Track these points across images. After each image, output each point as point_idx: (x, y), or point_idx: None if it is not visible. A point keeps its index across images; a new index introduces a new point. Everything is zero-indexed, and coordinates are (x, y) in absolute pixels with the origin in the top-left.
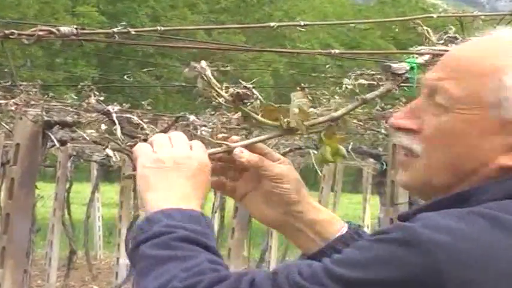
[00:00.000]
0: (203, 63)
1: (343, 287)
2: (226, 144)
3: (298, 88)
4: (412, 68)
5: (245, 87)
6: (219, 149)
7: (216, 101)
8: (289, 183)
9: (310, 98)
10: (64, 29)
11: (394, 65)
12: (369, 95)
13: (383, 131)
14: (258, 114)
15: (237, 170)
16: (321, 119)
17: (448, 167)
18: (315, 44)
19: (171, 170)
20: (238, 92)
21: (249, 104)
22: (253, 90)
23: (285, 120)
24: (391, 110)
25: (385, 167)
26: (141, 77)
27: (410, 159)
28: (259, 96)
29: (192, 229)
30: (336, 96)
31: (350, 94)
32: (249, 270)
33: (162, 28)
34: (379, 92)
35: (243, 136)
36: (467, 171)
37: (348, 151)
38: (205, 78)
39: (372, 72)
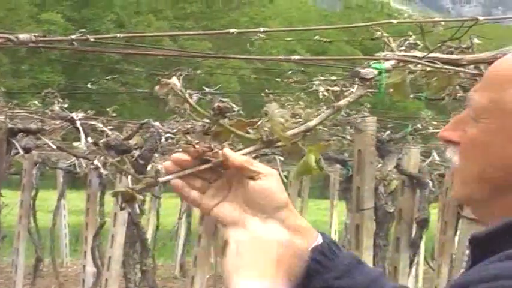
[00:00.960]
0: (174, 79)
1: None
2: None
3: (263, 94)
4: (379, 73)
5: (221, 100)
6: (185, 171)
7: (187, 113)
8: (277, 184)
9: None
10: (22, 37)
11: (362, 71)
12: (342, 102)
13: (348, 136)
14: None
15: (207, 181)
16: (297, 129)
17: (480, 179)
18: (282, 50)
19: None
20: (219, 106)
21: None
22: (231, 103)
23: (266, 132)
24: (355, 116)
25: (350, 172)
26: (107, 83)
27: (454, 172)
28: (236, 109)
29: None
30: (300, 102)
31: (316, 101)
32: None
33: (122, 35)
34: (352, 98)
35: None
36: (499, 183)
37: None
38: (180, 95)
39: (333, 78)
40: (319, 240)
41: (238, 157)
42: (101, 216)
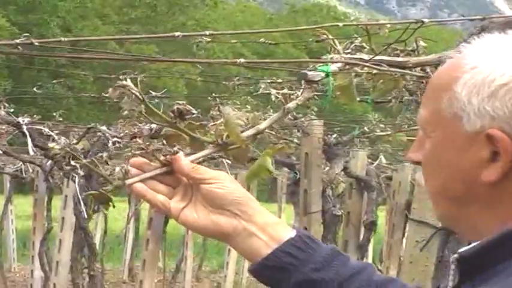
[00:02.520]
0: (129, 81)
1: None
2: (170, 163)
3: (209, 98)
4: (326, 75)
5: (178, 103)
6: (155, 171)
7: (141, 116)
8: (231, 182)
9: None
10: None
11: (310, 73)
12: (290, 104)
13: (295, 140)
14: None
15: (171, 186)
16: (249, 131)
17: (443, 195)
18: (228, 53)
19: None
20: (179, 109)
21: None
22: (189, 106)
23: (222, 135)
24: (302, 119)
25: (298, 176)
26: (54, 88)
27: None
28: (195, 112)
29: None
30: (247, 106)
31: (263, 104)
32: None
33: (66, 39)
34: (300, 101)
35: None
36: (459, 195)
37: (244, 165)
38: (138, 97)
39: (280, 81)
40: (292, 234)
41: (184, 166)
42: (49, 221)
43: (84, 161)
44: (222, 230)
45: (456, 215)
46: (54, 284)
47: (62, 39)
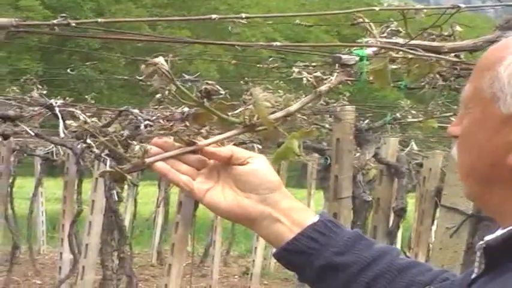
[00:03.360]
0: (161, 58)
1: None
2: (194, 143)
3: (242, 82)
4: (361, 59)
5: (207, 83)
6: (177, 151)
7: (170, 96)
8: (267, 165)
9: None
10: (2, 20)
11: (344, 56)
12: (322, 88)
13: (327, 125)
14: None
15: (195, 167)
16: (279, 113)
17: (471, 173)
18: (260, 38)
19: None
20: (206, 88)
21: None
22: (218, 86)
23: (249, 116)
24: (334, 104)
25: (329, 161)
26: (85, 71)
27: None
28: (222, 92)
29: None
30: (279, 90)
31: (295, 89)
32: None
33: (102, 20)
34: (332, 84)
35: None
36: (483, 176)
37: (272, 147)
38: (167, 75)
39: (314, 64)
40: (315, 219)
41: (222, 150)
42: (79, 203)
43: (102, 139)
44: (248, 214)
45: (481, 195)
46: (83, 267)
47: (98, 20)
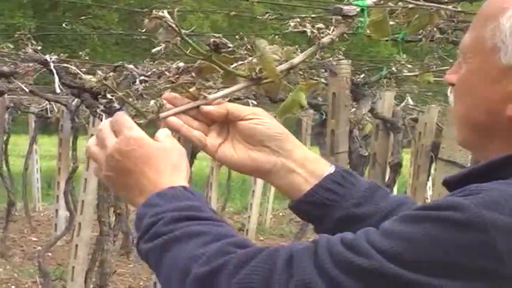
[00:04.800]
0: (165, 12)
1: (388, 260)
2: (204, 97)
3: (237, 37)
4: (362, 10)
5: (214, 36)
6: (189, 105)
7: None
8: (269, 118)
9: (250, 47)
10: None
11: (345, 7)
12: (325, 39)
13: (323, 80)
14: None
15: (206, 124)
16: (283, 66)
17: (467, 122)
18: None
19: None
20: (215, 41)
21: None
22: (225, 39)
23: (258, 69)
24: (330, 59)
25: (324, 117)
26: (79, 27)
27: (450, 114)
28: (231, 46)
29: (179, 207)
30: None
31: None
32: (281, 245)
33: None
34: (334, 36)
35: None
36: (482, 125)
37: (276, 101)
38: (174, 28)
39: (314, 16)
40: (331, 170)
41: (216, 109)
42: (74, 160)
43: (120, 93)
44: (261, 166)
45: (475, 143)
46: (80, 223)
47: None
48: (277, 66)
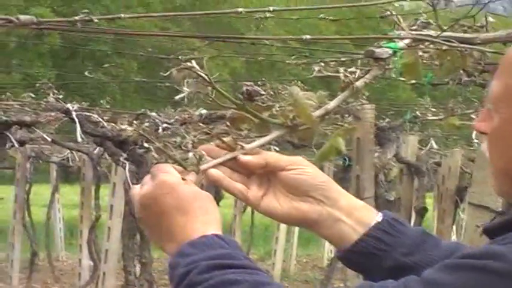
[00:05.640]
0: (194, 63)
1: None
2: (242, 146)
3: (257, 83)
4: (394, 52)
5: (246, 84)
6: (227, 155)
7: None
8: (310, 166)
9: (272, 93)
10: (24, 18)
11: (377, 50)
12: (358, 83)
13: (346, 125)
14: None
15: (245, 175)
16: (318, 112)
17: (505, 173)
18: (273, 44)
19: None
20: (247, 90)
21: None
22: (259, 88)
23: (292, 116)
24: (354, 104)
25: (348, 162)
26: (99, 76)
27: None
28: (264, 93)
29: (213, 256)
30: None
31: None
32: None
33: (126, 16)
34: (367, 79)
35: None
36: None
37: (310, 147)
38: (205, 78)
39: (344, 59)
40: (378, 218)
41: (253, 158)
42: (97, 209)
43: (158, 144)
44: (306, 217)
45: None
46: (104, 273)
47: (122, 15)
48: (312, 112)
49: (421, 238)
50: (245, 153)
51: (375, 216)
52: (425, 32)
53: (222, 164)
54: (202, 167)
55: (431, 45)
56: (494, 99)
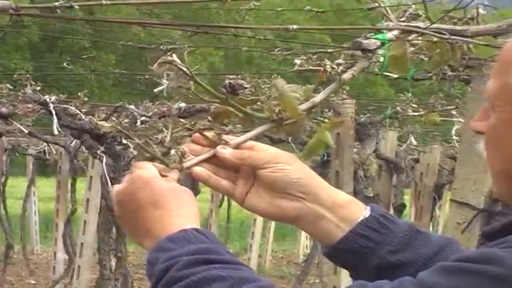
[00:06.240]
0: (174, 57)
1: None
2: (226, 142)
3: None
4: (382, 44)
5: (229, 77)
6: (210, 152)
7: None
8: (288, 163)
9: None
10: (3, 3)
11: (364, 41)
12: (345, 75)
13: (326, 120)
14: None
15: (231, 170)
16: (304, 105)
17: (504, 174)
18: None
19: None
20: (230, 83)
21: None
22: (242, 81)
23: (277, 110)
24: (334, 99)
25: (326, 158)
26: (77, 69)
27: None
28: (247, 86)
29: (194, 251)
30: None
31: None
32: None
33: (109, 2)
34: (355, 71)
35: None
36: None
37: (288, 142)
38: (186, 72)
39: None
40: (366, 214)
41: (230, 156)
42: (73, 202)
43: (138, 140)
44: (286, 214)
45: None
46: (79, 266)
47: (104, 1)
48: (298, 105)
49: (410, 235)
50: (225, 148)
51: (363, 212)
52: (414, 23)
53: (206, 161)
54: (185, 164)
55: (421, 37)
56: (491, 97)
